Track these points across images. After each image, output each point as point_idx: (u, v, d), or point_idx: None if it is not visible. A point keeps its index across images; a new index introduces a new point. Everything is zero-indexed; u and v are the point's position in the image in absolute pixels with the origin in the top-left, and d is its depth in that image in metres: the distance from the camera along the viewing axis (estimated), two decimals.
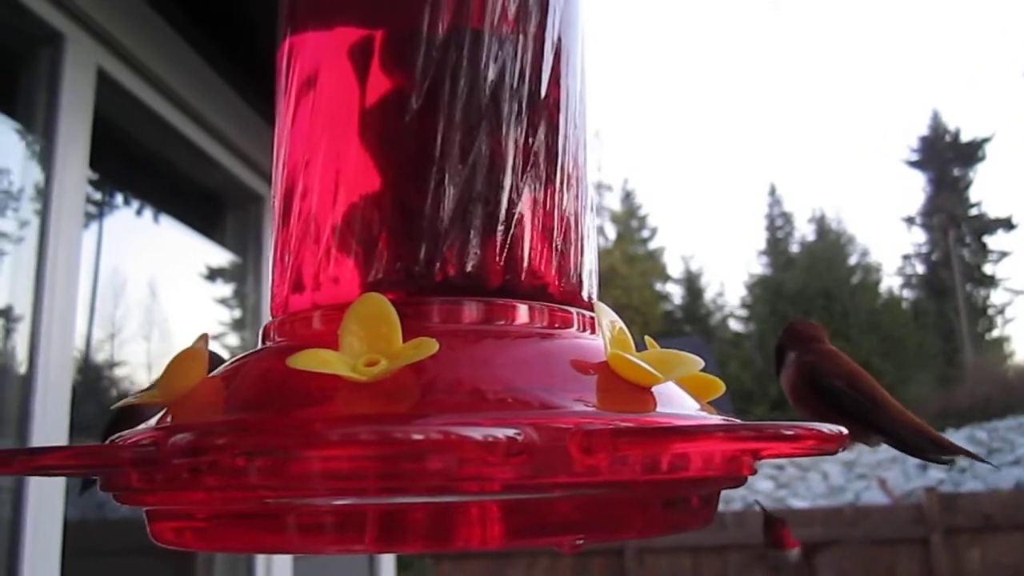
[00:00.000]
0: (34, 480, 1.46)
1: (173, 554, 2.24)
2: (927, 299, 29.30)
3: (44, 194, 1.66)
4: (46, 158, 1.67)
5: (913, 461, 11.92)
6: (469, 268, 0.40)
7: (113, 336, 2.56)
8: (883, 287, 29.80)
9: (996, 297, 30.02)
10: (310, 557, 2.57)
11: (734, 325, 30.38)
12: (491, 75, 0.41)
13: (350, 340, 0.33)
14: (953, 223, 29.73)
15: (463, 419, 0.30)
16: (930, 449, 0.62)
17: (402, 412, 0.32)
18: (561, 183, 0.43)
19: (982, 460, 0.67)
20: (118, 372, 2.58)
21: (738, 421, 0.37)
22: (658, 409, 0.36)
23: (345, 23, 0.45)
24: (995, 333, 29.75)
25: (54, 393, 1.57)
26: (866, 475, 12.31)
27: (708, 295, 32.02)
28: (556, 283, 0.43)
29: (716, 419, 0.38)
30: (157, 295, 2.67)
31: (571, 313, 0.43)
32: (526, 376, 0.36)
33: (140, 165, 2.39)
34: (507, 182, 0.41)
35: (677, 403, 0.38)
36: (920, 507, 6.43)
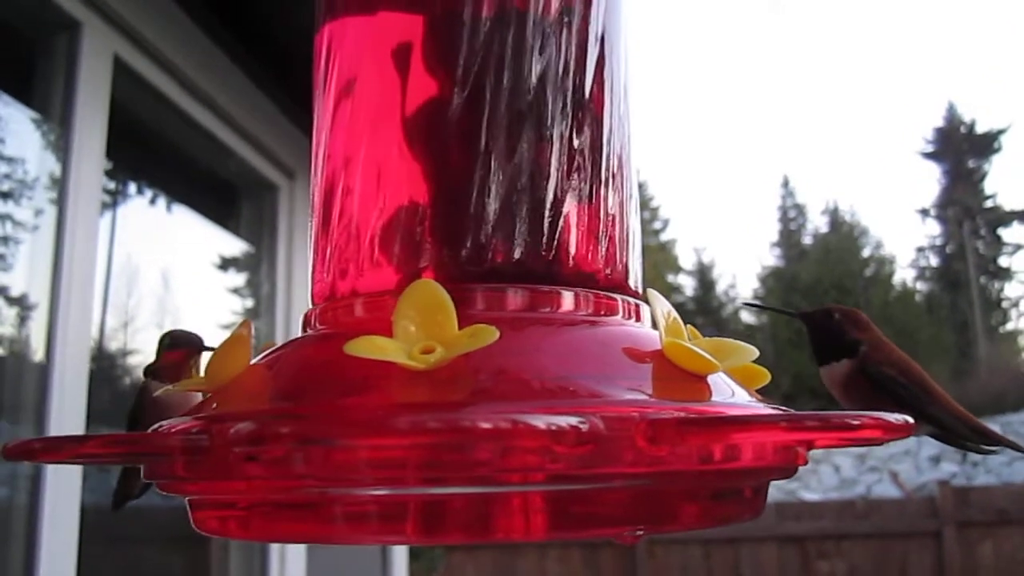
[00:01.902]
0: (51, 467, 1.46)
1: (188, 542, 2.25)
2: (941, 292, 29.17)
3: (61, 183, 1.65)
4: (63, 147, 1.67)
5: (925, 454, 11.90)
6: (516, 256, 0.39)
7: (126, 324, 2.56)
8: (896, 279, 29.72)
9: (1011, 290, 29.89)
10: (322, 550, 2.58)
11: (746, 317, 30.33)
12: (536, 66, 0.41)
13: (405, 325, 0.32)
14: (968, 215, 29.56)
15: (524, 407, 0.30)
16: (974, 439, 0.62)
17: (461, 400, 0.31)
18: (606, 175, 0.43)
19: (1021, 450, 0.66)
20: (131, 361, 2.58)
21: (793, 411, 0.36)
22: (714, 398, 0.35)
23: (386, 11, 0.44)
24: (1009, 326, 29.63)
25: (71, 381, 1.57)
26: (878, 468, 12.29)
27: (720, 287, 31.97)
28: (602, 272, 0.42)
29: (771, 408, 0.37)
30: (170, 284, 2.67)
31: (616, 300, 0.42)
32: (581, 364, 0.36)
33: (155, 154, 2.39)
34: (553, 173, 0.40)
35: (730, 392, 0.37)
36: (933, 500, 6.41)
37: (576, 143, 0.41)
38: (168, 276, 2.63)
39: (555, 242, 0.40)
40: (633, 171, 0.45)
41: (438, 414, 0.26)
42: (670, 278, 30.82)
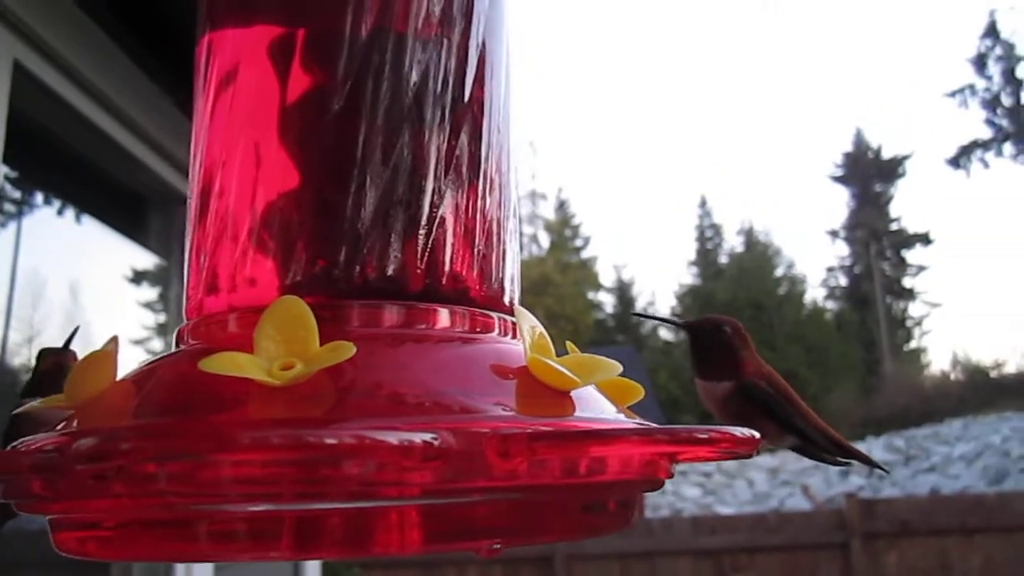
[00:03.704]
0: None
1: (90, 564, 2.17)
2: (850, 310, 30.15)
3: None
4: None
5: (835, 468, 12.25)
6: (390, 271, 0.40)
7: (31, 339, 2.47)
8: (808, 298, 30.61)
9: (914, 309, 31.09)
10: (231, 567, 2.51)
11: (664, 334, 30.79)
12: (414, 78, 0.41)
13: (266, 344, 0.32)
14: (874, 237, 30.68)
15: (379, 423, 0.30)
16: (832, 451, 0.63)
17: (317, 416, 0.31)
18: (484, 188, 0.43)
19: (877, 466, 0.68)
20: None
21: (654, 425, 0.37)
22: (577, 413, 0.36)
23: (266, 20, 0.44)
24: (913, 344, 30.78)
25: None
26: (790, 482, 12.61)
27: (639, 304, 32.44)
28: (478, 287, 0.42)
29: (632, 423, 0.39)
30: (79, 298, 2.58)
31: (492, 318, 0.43)
32: (445, 380, 0.36)
33: (60, 163, 2.31)
34: (429, 185, 0.41)
35: (596, 408, 0.38)
36: (841, 513, 6.61)
37: (453, 160, 0.42)
38: (77, 289, 2.54)
39: (430, 259, 0.40)
40: (512, 187, 0.46)
41: (284, 430, 0.27)
42: (591, 295, 31.13)
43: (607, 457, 0.35)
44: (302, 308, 0.34)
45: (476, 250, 0.42)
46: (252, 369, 0.31)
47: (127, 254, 2.70)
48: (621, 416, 0.39)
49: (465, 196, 0.42)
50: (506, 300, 0.44)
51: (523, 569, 6.56)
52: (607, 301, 32.35)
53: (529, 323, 0.38)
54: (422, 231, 0.40)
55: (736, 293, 27.67)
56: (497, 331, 0.43)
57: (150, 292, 2.92)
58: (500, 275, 0.44)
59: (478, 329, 0.42)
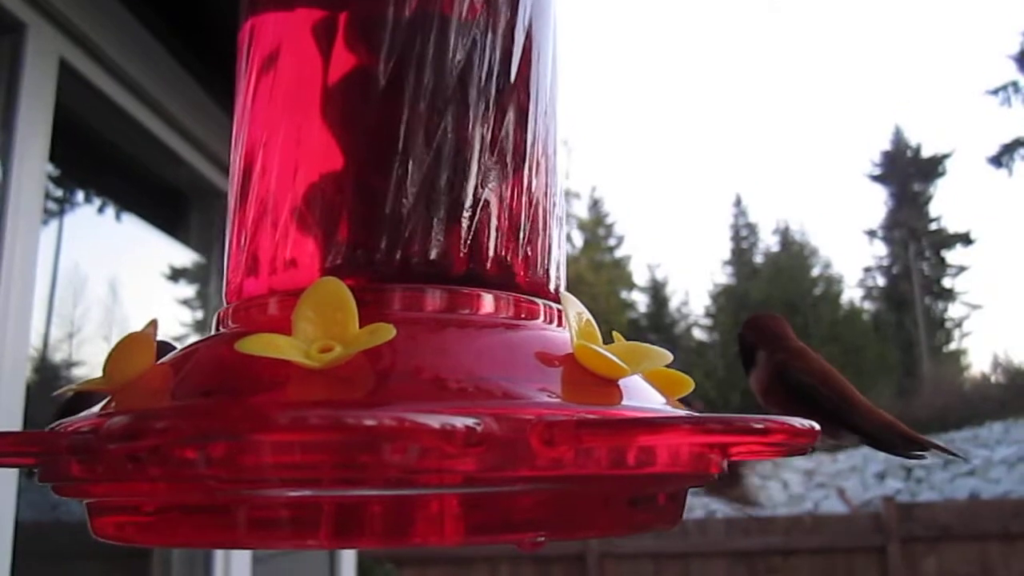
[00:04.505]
0: None
1: (129, 556, 2.20)
2: (887, 311, 29.73)
3: (2, 189, 1.61)
4: (5, 151, 1.63)
5: (871, 471, 12.10)
6: (432, 255, 0.39)
7: (72, 335, 2.51)
8: (844, 299, 30.22)
9: (954, 311, 30.57)
10: (269, 561, 2.54)
11: (698, 334, 30.60)
12: (459, 59, 0.40)
13: (304, 325, 0.32)
14: (913, 237, 30.21)
15: (420, 407, 0.29)
16: (901, 445, 0.62)
17: (356, 399, 0.31)
18: (529, 173, 0.42)
19: (953, 454, 0.66)
20: (76, 372, 2.53)
21: (696, 414, 0.36)
22: (624, 402, 0.35)
23: (306, 7, 0.43)
24: (952, 346, 30.26)
25: (8, 392, 1.53)
26: (825, 484, 12.45)
27: (673, 304, 32.20)
28: (522, 273, 0.42)
29: (682, 412, 0.37)
30: (118, 295, 2.61)
31: (537, 304, 0.42)
32: (488, 366, 0.35)
33: (102, 160, 2.35)
34: (473, 169, 0.40)
35: (643, 397, 0.37)
36: (878, 516, 6.52)
37: (498, 143, 0.41)
38: (116, 286, 2.58)
39: (476, 244, 0.40)
40: (558, 175, 0.45)
41: (322, 410, 0.26)
42: (624, 295, 31.00)
43: (656, 448, 0.34)
44: (341, 290, 0.33)
45: (521, 235, 0.41)
46: (290, 351, 0.30)
47: (166, 251, 2.74)
48: (669, 406, 0.38)
49: (510, 180, 0.41)
50: (551, 287, 0.43)
51: (555, 567, 6.55)
52: (640, 300, 32.21)
53: (575, 309, 0.37)
54: (466, 215, 0.40)
55: (771, 293, 27.41)
56: (542, 318, 0.42)
57: (188, 290, 2.95)
58: (545, 261, 0.43)
59: (522, 315, 0.41)
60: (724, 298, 30.45)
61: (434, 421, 0.26)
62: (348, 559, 3.16)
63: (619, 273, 30.71)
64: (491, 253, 0.40)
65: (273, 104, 0.41)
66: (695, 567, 6.51)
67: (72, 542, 2.00)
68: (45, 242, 1.74)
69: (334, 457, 0.28)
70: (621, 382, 0.36)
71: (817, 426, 0.32)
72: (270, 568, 2.53)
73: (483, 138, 0.40)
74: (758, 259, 32.11)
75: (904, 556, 6.30)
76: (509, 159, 0.41)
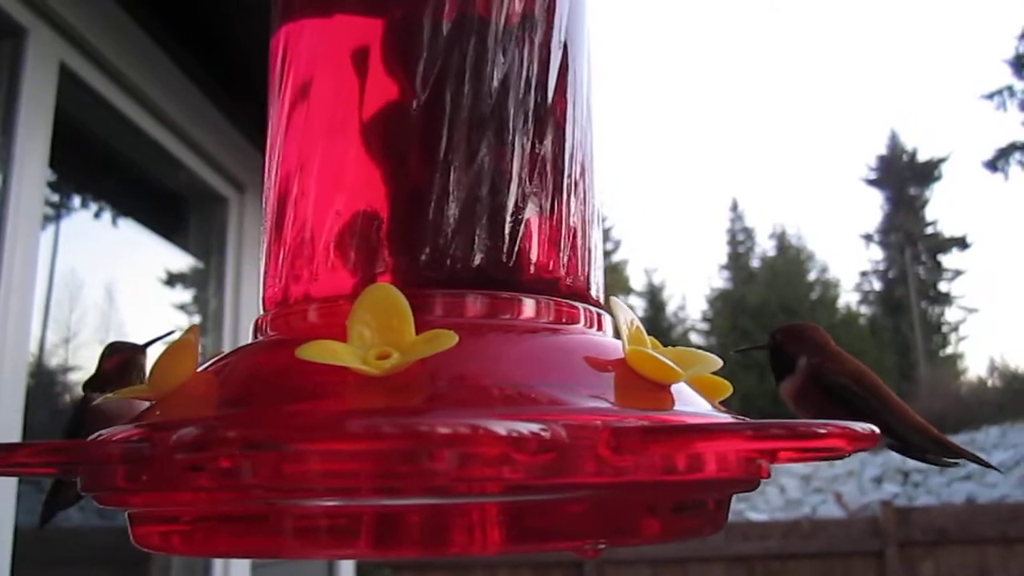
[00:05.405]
0: None
1: (127, 561, 2.18)
2: (883, 315, 29.78)
3: (2, 193, 1.60)
4: (4, 155, 1.62)
5: (868, 475, 12.11)
6: (475, 264, 0.38)
7: (68, 340, 2.49)
8: (841, 303, 30.29)
9: (950, 314, 30.62)
10: (268, 565, 2.52)
11: (695, 338, 30.59)
12: (497, 73, 0.40)
13: (360, 330, 0.31)
14: (909, 241, 30.28)
15: (487, 413, 0.28)
16: (932, 450, 0.62)
17: (419, 406, 0.30)
18: (568, 183, 0.42)
19: (986, 464, 0.66)
20: (72, 377, 2.51)
21: (756, 421, 0.36)
22: (676, 407, 0.35)
23: (344, 14, 0.43)
24: (949, 350, 30.31)
25: (7, 397, 1.52)
26: (822, 489, 12.46)
27: (670, 308, 32.25)
28: (563, 280, 0.41)
29: (737, 419, 0.37)
30: (115, 299, 2.60)
31: (578, 309, 0.41)
32: (542, 372, 0.35)
33: (101, 164, 2.34)
34: (513, 180, 0.40)
35: (693, 402, 0.37)
36: (875, 520, 6.51)
37: (537, 151, 0.41)
38: (113, 291, 2.56)
39: (515, 249, 0.39)
40: (595, 181, 0.45)
41: (394, 418, 0.25)
42: (621, 299, 30.97)
43: (705, 454, 0.33)
44: (397, 296, 0.32)
45: (561, 243, 0.41)
46: (348, 357, 0.30)
47: (163, 256, 2.72)
48: (716, 411, 0.38)
49: (550, 189, 0.41)
50: (592, 292, 0.43)
51: (554, 572, 6.53)
52: (638, 305, 32.21)
53: (626, 315, 0.37)
54: (508, 226, 0.39)
55: (768, 297, 27.46)
56: (583, 322, 0.41)
57: (185, 294, 2.94)
58: (586, 267, 0.43)
59: (563, 320, 0.41)
60: (721, 302, 30.50)
61: (502, 428, 0.25)
62: (347, 563, 3.15)
63: (616, 277, 30.71)
64: (533, 259, 0.40)
65: (311, 122, 0.41)
66: (693, 572, 6.50)
67: (70, 548, 1.99)
68: (42, 246, 1.73)
69: (403, 466, 0.27)
70: (670, 388, 0.35)
71: (877, 429, 0.31)
72: (270, 570, 2.51)
73: (522, 151, 0.40)
74: (755, 263, 32.17)
75: (902, 560, 6.30)
76: (549, 172, 0.41)
